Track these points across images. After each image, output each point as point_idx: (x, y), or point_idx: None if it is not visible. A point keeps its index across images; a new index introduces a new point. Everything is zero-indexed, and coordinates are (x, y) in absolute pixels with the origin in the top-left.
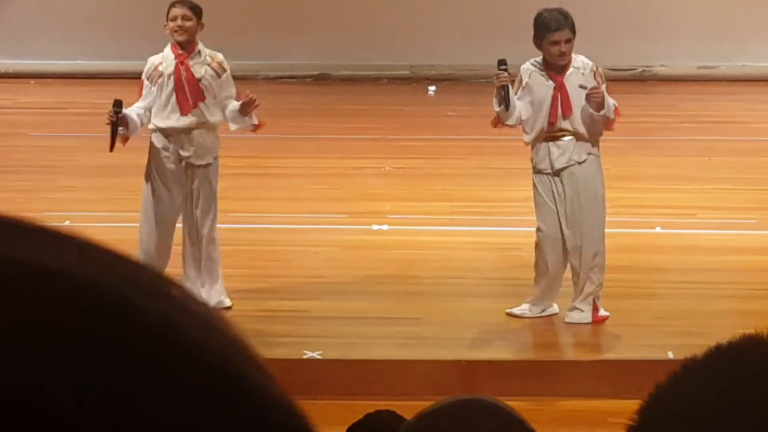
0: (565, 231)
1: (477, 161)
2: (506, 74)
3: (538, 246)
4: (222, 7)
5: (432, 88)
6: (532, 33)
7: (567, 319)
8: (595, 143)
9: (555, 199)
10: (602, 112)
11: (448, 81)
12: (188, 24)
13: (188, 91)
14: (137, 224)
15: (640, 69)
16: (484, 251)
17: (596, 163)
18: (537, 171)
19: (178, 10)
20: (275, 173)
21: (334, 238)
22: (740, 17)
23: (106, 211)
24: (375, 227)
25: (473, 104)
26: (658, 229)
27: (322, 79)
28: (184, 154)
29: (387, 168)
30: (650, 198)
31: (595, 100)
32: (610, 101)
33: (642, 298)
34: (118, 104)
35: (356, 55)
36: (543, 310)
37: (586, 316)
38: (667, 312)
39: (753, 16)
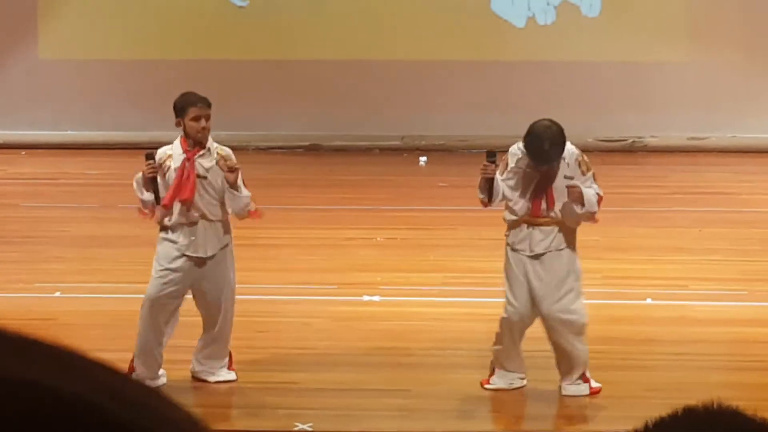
0: (542, 308)
1: (468, 232)
2: (493, 166)
3: (505, 321)
4: (213, 77)
5: (423, 158)
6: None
7: (565, 392)
8: (575, 231)
9: (528, 278)
10: (584, 210)
11: (439, 151)
12: (209, 124)
13: (181, 188)
14: (127, 295)
15: (631, 140)
16: (475, 322)
17: (573, 251)
18: (514, 249)
19: (200, 111)
20: (266, 244)
21: (325, 309)
22: (730, 89)
23: (97, 282)
24: (366, 298)
25: (464, 175)
26: (648, 301)
27: (314, 149)
28: (184, 244)
29: (378, 239)
30: (641, 269)
31: (572, 199)
32: (592, 195)
33: (633, 369)
34: (150, 156)
35: (347, 125)
36: (520, 380)
37: (583, 388)
38: (657, 384)
39: (742, 88)
